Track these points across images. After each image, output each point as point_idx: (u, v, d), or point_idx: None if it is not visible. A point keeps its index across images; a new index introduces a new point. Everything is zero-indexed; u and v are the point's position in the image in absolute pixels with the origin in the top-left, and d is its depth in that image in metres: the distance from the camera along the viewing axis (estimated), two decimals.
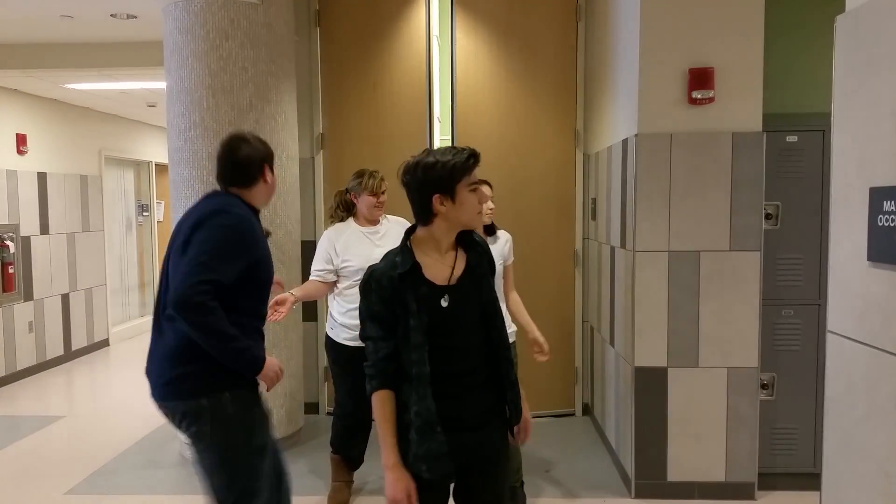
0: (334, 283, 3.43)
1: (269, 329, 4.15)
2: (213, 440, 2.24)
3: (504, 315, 2.14)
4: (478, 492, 2.06)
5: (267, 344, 4.07)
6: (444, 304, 1.93)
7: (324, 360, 5.01)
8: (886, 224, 1.51)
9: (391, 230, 3.45)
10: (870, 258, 1.58)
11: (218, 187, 2.44)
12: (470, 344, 1.97)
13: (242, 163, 2.36)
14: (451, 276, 1.97)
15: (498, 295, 2.25)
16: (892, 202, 1.49)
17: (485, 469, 2.04)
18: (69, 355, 7.14)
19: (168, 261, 2.35)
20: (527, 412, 2.13)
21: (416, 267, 1.93)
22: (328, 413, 4.99)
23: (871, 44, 1.58)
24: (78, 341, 7.31)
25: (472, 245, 2.04)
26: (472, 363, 1.97)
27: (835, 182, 1.75)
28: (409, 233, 2.00)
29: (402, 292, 1.90)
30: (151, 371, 2.30)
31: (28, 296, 6.51)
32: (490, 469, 2.05)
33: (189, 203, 4.01)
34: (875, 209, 1.55)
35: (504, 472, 2.11)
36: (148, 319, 8.38)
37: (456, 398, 1.94)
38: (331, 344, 3.47)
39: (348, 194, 3.50)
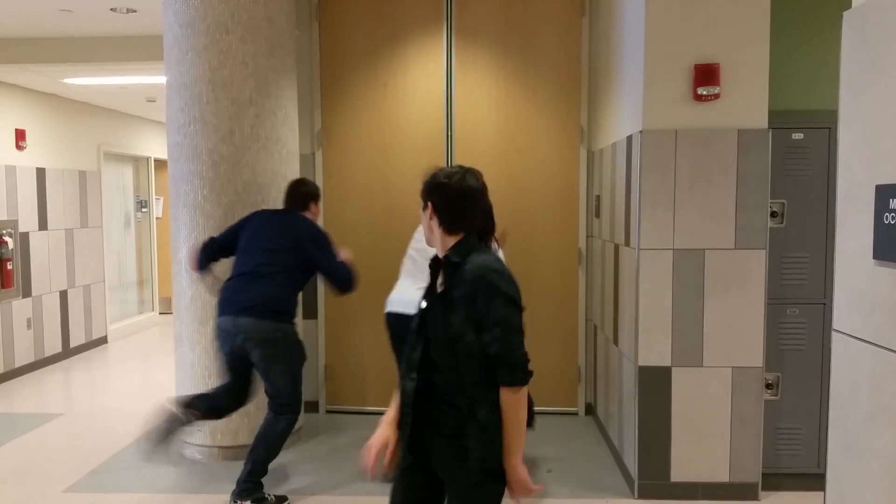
0: None
1: None
2: (284, 352, 3.47)
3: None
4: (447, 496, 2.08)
5: None
6: (422, 305, 2.03)
7: (323, 358, 5.00)
8: (893, 222, 1.50)
9: None
10: (876, 256, 1.57)
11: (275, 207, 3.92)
12: (438, 359, 1.97)
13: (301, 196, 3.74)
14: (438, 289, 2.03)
15: None
16: None
17: (444, 476, 2.03)
18: (67, 352, 7.11)
19: (278, 239, 3.55)
20: (519, 471, 1.96)
21: (436, 262, 2.06)
22: (328, 411, 4.98)
23: (878, 40, 1.57)
24: (76, 338, 7.28)
25: (450, 270, 1.99)
26: (442, 377, 1.97)
27: (841, 180, 1.73)
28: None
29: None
30: (253, 300, 3.41)
31: (26, 292, 6.48)
32: (447, 479, 2.03)
33: (188, 199, 4.03)
34: (881, 207, 1.54)
35: (463, 492, 2.00)
36: (146, 316, 8.33)
37: (428, 400, 1.99)
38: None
39: None
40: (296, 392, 3.56)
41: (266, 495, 3.51)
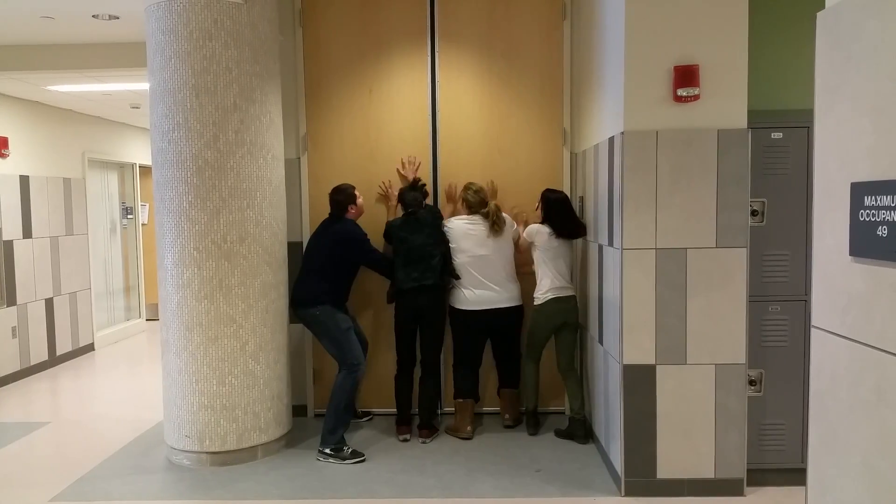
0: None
1: (255, 331, 4.15)
2: (324, 326, 4.35)
3: None
4: None
5: (254, 346, 4.11)
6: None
7: (311, 362, 5.00)
8: (867, 219, 1.52)
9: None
10: (852, 253, 1.59)
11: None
12: None
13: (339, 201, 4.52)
14: None
15: None
16: (873, 197, 1.51)
17: None
18: (53, 360, 7.06)
19: (318, 247, 4.47)
20: None
21: None
22: (316, 415, 4.98)
23: (851, 40, 1.59)
24: (62, 346, 7.23)
25: None
26: None
27: (817, 178, 1.76)
28: None
29: None
30: (303, 293, 4.39)
31: (11, 301, 6.43)
32: None
33: (173, 205, 4.03)
34: (856, 204, 1.56)
35: None
36: (133, 323, 8.28)
37: None
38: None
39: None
40: (346, 353, 4.36)
41: (345, 446, 4.23)
